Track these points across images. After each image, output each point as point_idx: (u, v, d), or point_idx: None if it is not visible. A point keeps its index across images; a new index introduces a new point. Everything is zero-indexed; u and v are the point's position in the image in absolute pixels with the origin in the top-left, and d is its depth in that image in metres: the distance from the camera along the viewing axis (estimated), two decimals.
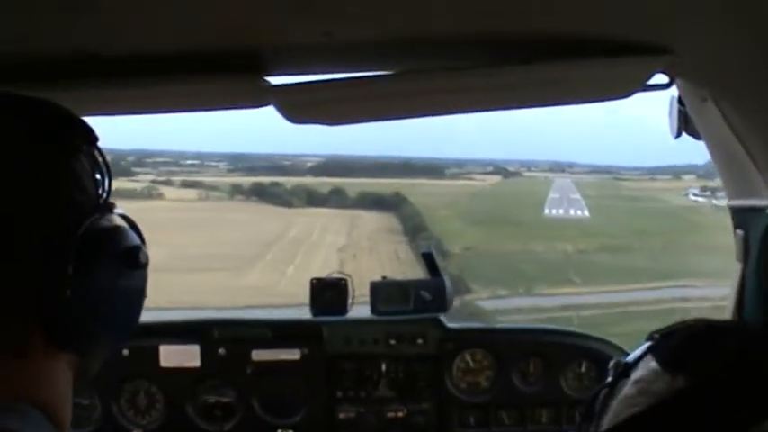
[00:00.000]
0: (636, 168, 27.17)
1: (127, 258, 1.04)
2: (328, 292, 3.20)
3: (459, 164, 27.10)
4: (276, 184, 23.49)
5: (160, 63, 1.62)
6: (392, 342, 3.16)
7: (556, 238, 21.97)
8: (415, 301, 3.16)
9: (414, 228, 20.18)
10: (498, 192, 26.08)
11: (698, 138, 1.98)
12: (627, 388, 1.40)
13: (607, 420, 1.42)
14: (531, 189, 26.52)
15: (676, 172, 24.44)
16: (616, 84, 1.78)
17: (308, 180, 24.68)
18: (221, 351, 3.12)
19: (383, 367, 3.17)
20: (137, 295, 1.11)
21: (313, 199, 23.25)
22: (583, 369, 3.14)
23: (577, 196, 24.29)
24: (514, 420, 3.16)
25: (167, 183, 22.28)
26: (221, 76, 1.69)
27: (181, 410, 3.13)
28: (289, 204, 22.58)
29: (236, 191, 23.50)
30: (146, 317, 1.22)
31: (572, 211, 24.24)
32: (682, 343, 1.40)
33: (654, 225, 23.10)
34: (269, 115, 1.80)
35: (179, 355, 3.12)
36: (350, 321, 3.22)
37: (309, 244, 20.23)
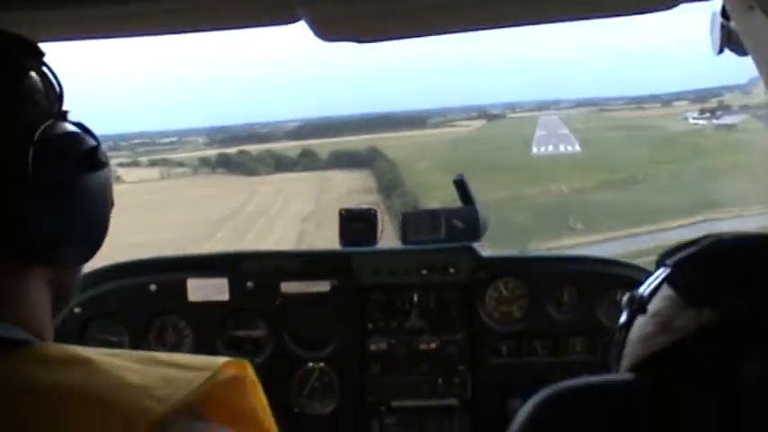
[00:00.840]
0: (622, 98, 27.00)
1: (85, 159, 1.03)
2: (357, 223, 3.15)
3: (443, 112, 26.63)
4: (243, 152, 22.65)
5: None
6: (423, 272, 3.10)
7: (548, 179, 20.23)
8: (447, 230, 3.10)
9: (388, 184, 19.04)
10: (482, 136, 25.10)
11: (742, 53, 1.88)
12: (645, 324, 1.32)
13: (628, 361, 1.35)
14: (516, 130, 25.34)
15: (666, 99, 24.38)
16: None
17: (283, 145, 23.84)
18: (250, 284, 3.08)
19: (414, 298, 3.12)
20: (101, 197, 1.07)
21: (281, 164, 22.28)
22: (618, 297, 3.06)
23: (565, 131, 23.47)
24: (548, 350, 3.11)
25: (133, 164, 21.93)
26: None
27: (210, 345, 3.09)
28: (255, 172, 21.70)
29: (203, 164, 22.97)
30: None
31: (561, 147, 22.87)
32: (703, 269, 1.30)
33: (655, 153, 21.32)
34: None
35: (207, 290, 3.07)
36: (380, 251, 3.16)
37: (268, 217, 19.24)
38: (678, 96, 23.64)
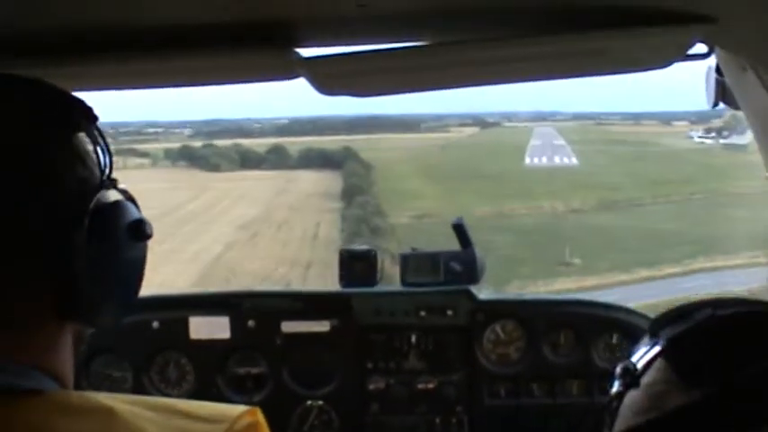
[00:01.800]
0: (619, 113, 26.57)
1: (133, 231, 1.08)
2: (357, 264, 3.18)
3: (438, 118, 26.16)
4: (209, 146, 21.55)
5: (186, 34, 1.58)
6: (422, 313, 3.14)
7: (541, 194, 18.06)
8: (446, 273, 3.14)
9: (351, 189, 17.74)
10: (473, 143, 24.00)
11: (735, 108, 1.95)
12: (637, 396, 1.34)
13: (617, 428, 1.37)
14: (509, 139, 24.11)
15: (665, 118, 23.98)
16: (655, 53, 1.74)
17: (264, 141, 22.73)
18: (251, 323, 3.12)
19: (413, 339, 3.16)
20: (140, 267, 1.13)
21: (247, 160, 21.16)
22: (614, 341, 3.12)
23: (561, 142, 22.26)
24: (545, 392, 3.14)
25: None
26: (250, 48, 1.65)
27: (211, 382, 3.14)
28: (217, 168, 20.46)
29: (166, 157, 22.17)
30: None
31: (557, 159, 21.58)
32: (699, 350, 1.28)
33: (658, 171, 19.19)
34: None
35: (209, 327, 3.12)
36: (380, 293, 3.20)
37: (202, 221, 17.92)
38: (677, 116, 23.22)
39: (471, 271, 3.13)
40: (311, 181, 19.69)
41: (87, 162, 1.06)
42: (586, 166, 20.15)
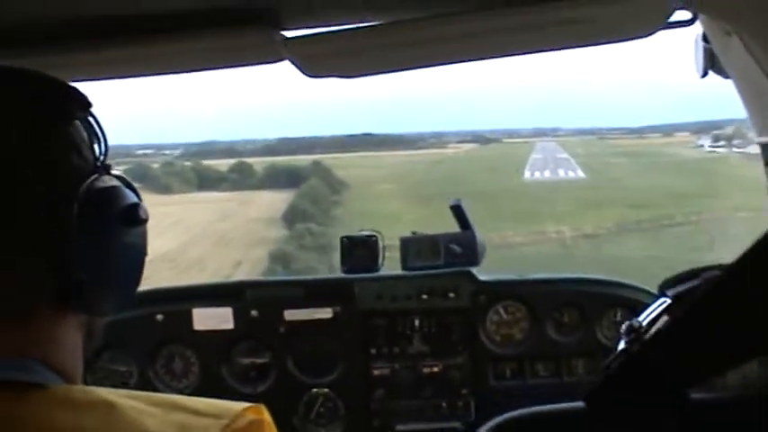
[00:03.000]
0: (621, 128, 26.34)
1: (127, 215, 1.07)
2: (359, 250, 3.18)
3: (438, 135, 25.81)
4: (168, 164, 19.91)
5: (167, 19, 1.57)
6: (424, 297, 3.14)
7: (544, 216, 14.53)
8: (446, 255, 3.14)
9: (295, 214, 15.11)
10: (469, 158, 22.40)
11: (725, 76, 1.93)
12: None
13: None
14: (509, 153, 22.22)
15: (666, 130, 23.72)
16: (637, 22, 1.72)
17: (253, 160, 20.64)
18: (254, 312, 3.13)
19: (416, 322, 3.16)
20: (139, 252, 1.12)
21: (205, 181, 19.32)
22: (618, 317, 3.10)
23: (565, 155, 20.78)
24: (550, 372, 3.15)
25: None
26: (233, 30, 1.63)
27: (216, 373, 3.15)
28: (168, 189, 18.20)
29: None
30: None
31: (561, 172, 19.25)
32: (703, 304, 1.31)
33: (684, 183, 15.93)
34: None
35: (212, 318, 3.12)
36: (381, 278, 3.20)
37: None
38: (678, 128, 22.93)
39: (472, 253, 3.14)
40: (266, 203, 17.74)
41: (82, 149, 1.06)
42: (596, 180, 17.46)
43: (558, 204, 15.58)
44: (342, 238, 3.20)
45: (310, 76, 1.82)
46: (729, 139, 17.75)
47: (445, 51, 1.86)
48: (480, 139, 24.69)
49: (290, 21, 1.68)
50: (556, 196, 16.43)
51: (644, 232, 13.30)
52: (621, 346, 1.42)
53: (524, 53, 1.98)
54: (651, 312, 1.39)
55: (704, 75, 2.00)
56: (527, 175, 18.72)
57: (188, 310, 3.13)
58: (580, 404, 1.34)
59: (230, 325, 3.13)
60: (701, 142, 19.77)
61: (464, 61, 1.99)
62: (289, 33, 1.69)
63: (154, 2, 1.51)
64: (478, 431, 1.38)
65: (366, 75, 1.92)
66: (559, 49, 1.91)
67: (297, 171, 18.59)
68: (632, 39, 1.81)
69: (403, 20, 1.68)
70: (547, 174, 19.20)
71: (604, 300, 3.14)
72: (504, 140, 25.09)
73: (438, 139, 24.77)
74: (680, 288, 1.37)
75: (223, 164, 19.87)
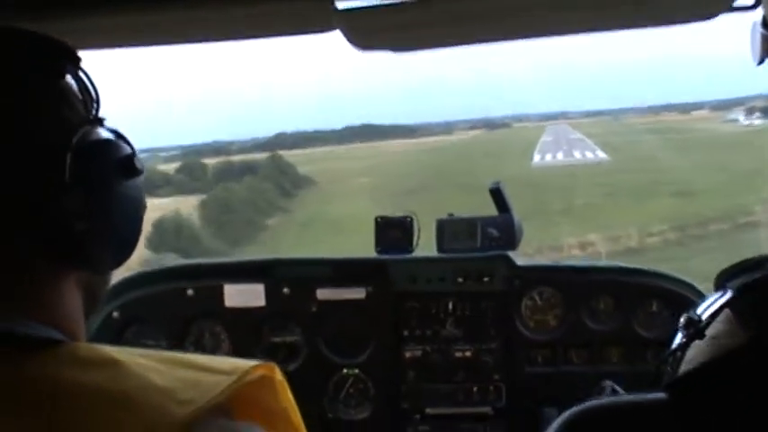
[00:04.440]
0: (634, 108, 25.99)
1: (122, 167, 1.04)
2: (393, 231, 3.15)
3: (447, 124, 25.55)
4: None
5: None
6: (459, 280, 3.10)
7: (553, 214, 10.73)
8: (483, 239, 3.10)
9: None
10: (471, 144, 21.11)
11: None
12: (702, 348, 1.30)
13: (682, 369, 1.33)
14: (516, 137, 20.86)
15: (684, 108, 23.46)
16: (700, 5, 1.67)
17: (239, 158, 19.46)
18: (285, 290, 3.10)
19: (450, 305, 3.13)
20: (136, 204, 1.09)
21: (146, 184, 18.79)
22: (654, 308, 3.06)
23: (579, 135, 20.37)
24: (584, 360, 3.10)
25: None
26: None
27: (246, 350, 3.12)
28: None
29: None
30: None
31: (577, 154, 17.03)
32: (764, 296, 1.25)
33: (733, 159, 12.74)
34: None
35: (243, 295, 3.10)
36: (416, 259, 3.16)
37: None
38: (695, 106, 22.63)
39: (509, 236, 3.09)
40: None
41: (73, 102, 1.04)
42: (622, 161, 14.09)
43: (576, 195, 11.67)
44: (376, 218, 3.17)
45: (360, 49, 1.78)
46: (765, 110, 16.64)
47: (497, 28, 1.82)
48: (488, 124, 24.38)
49: None
50: (573, 183, 12.89)
51: (719, 239, 8.48)
52: (678, 339, 1.37)
53: (580, 32, 1.94)
54: (710, 305, 1.34)
55: (761, 62, 1.94)
56: (536, 159, 16.47)
57: (219, 286, 3.10)
58: (661, 396, 1.29)
59: (262, 302, 3.10)
60: (732, 116, 18.37)
61: (517, 39, 1.92)
62: (341, 5, 1.63)
63: None
64: (555, 423, 1.33)
65: (417, 49, 1.88)
66: (619, 29, 1.85)
67: (253, 168, 16.78)
68: (693, 21, 1.76)
69: None
70: (560, 156, 16.97)
71: (641, 289, 3.09)
72: (514, 125, 24.67)
73: (445, 128, 24.44)
74: (742, 279, 1.32)
75: (172, 166, 18.30)
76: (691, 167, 12.98)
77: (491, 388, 3.11)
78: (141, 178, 1.09)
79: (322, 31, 1.73)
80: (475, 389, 3.11)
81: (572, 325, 3.10)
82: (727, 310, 1.28)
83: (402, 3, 1.63)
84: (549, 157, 16.75)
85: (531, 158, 16.00)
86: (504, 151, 17.32)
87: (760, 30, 1.89)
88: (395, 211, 3.19)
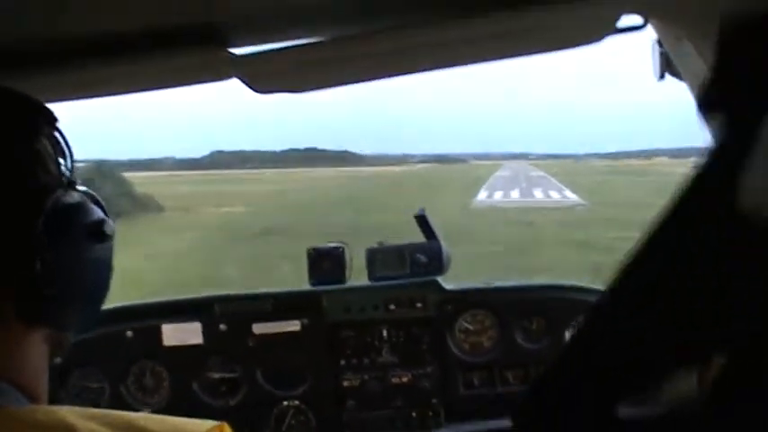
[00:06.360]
0: (596, 154, 26.18)
1: (93, 231, 1.07)
2: (326, 262, 3.20)
3: (404, 157, 25.47)
4: None
5: (116, 41, 1.56)
6: (391, 307, 3.16)
7: None
8: (412, 265, 3.15)
9: None
10: (412, 175, 19.35)
11: (680, 78, 2.00)
12: None
13: None
14: (466, 172, 18.49)
15: (644, 155, 23.71)
16: (587, 28, 1.72)
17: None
18: (222, 327, 3.13)
19: (384, 333, 3.18)
20: (104, 267, 1.13)
21: None
22: None
23: (541, 173, 18.31)
24: (520, 379, 3.15)
25: None
26: (181, 50, 1.63)
27: (187, 388, 3.15)
28: None
29: None
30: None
31: (538, 193, 14.79)
32: None
33: None
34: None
35: (181, 333, 3.13)
36: (348, 289, 3.21)
37: None
38: (656, 153, 22.88)
39: (437, 262, 3.15)
40: None
41: (48, 164, 1.05)
42: (602, 205, 12.67)
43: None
44: (308, 249, 3.22)
45: (260, 92, 1.83)
46: None
47: (389, 64, 1.86)
48: (443, 159, 24.18)
49: (240, 39, 1.68)
50: (529, 226, 11.06)
51: None
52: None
53: (471, 63, 1.99)
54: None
55: (661, 77, 2.04)
56: (481, 196, 14.15)
57: (157, 326, 3.13)
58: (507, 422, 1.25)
59: (199, 340, 3.13)
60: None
61: (411, 73, 1.97)
62: (237, 51, 1.69)
63: (100, 24, 1.49)
64: None
65: (314, 90, 1.93)
66: (509, 58, 1.89)
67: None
68: (582, 45, 1.80)
69: (346, 35, 1.69)
70: (515, 195, 14.47)
71: (573, 306, 3.15)
72: (471, 162, 24.47)
73: (397, 160, 24.37)
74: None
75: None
76: None
77: (430, 412, 3.15)
78: (111, 242, 1.12)
79: (221, 79, 1.76)
80: (414, 414, 3.15)
81: (506, 346, 3.15)
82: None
83: (297, 46, 1.68)
84: (498, 195, 14.41)
85: (475, 195, 14.14)
86: (444, 185, 15.83)
87: (657, 48, 2.01)
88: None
